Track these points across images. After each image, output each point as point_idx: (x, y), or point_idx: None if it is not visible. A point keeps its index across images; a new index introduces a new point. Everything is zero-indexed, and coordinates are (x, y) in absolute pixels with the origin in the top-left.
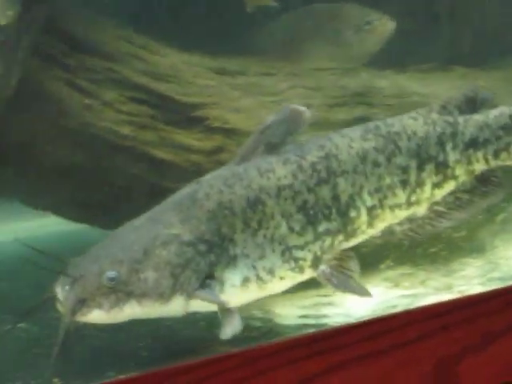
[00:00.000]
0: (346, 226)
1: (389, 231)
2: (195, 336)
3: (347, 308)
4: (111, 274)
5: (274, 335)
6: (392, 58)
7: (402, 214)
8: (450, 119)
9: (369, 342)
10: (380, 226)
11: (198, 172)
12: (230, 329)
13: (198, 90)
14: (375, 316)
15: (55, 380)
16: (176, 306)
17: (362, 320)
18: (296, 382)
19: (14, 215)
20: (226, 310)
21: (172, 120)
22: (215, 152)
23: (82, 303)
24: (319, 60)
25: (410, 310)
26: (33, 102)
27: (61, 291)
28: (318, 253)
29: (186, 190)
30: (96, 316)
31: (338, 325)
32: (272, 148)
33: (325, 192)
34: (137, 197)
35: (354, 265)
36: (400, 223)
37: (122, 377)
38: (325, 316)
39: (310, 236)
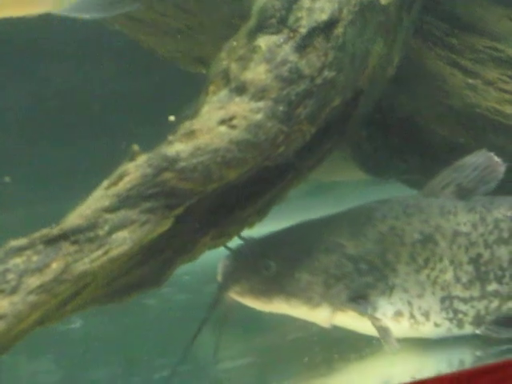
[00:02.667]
0: None
1: None
2: None
3: None
4: (269, 262)
5: None
6: None
7: None
8: None
9: None
10: None
11: None
12: (390, 346)
13: None
14: None
15: None
16: (322, 316)
17: None
18: None
19: None
20: (380, 326)
21: None
22: None
23: (235, 281)
24: None
25: None
26: (416, 80)
27: (222, 264)
28: (482, 312)
29: (368, 205)
30: (246, 298)
31: None
32: (462, 191)
33: (502, 252)
34: None
35: None
36: None
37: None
38: None
39: (476, 292)
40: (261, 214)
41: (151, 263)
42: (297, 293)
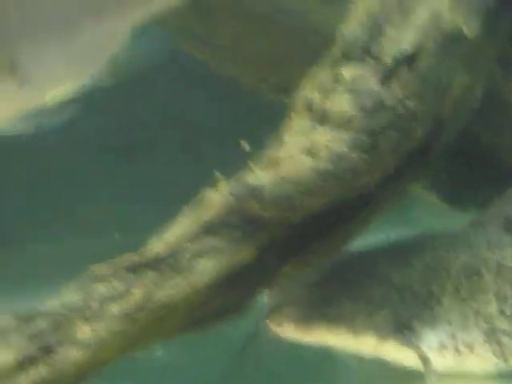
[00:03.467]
0: None
1: None
2: None
3: None
4: (312, 290)
5: None
6: None
7: None
8: None
9: None
10: None
11: None
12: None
13: None
14: None
15: None
16: (366, 345)
17: None
18: None
19: None
20: (423, 358)
21: None
22: None
23: (276, 309)
24: None
25: None
26: (498, 113)
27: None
28: None
29: (416, 236)
30: (286, 328)
31: None
32: (510, 224)
33: None
34: None
35: None
36: None
37: None
38: None
39: None
40: (341, 244)
41: (232, 292)
42: (339, 320)
